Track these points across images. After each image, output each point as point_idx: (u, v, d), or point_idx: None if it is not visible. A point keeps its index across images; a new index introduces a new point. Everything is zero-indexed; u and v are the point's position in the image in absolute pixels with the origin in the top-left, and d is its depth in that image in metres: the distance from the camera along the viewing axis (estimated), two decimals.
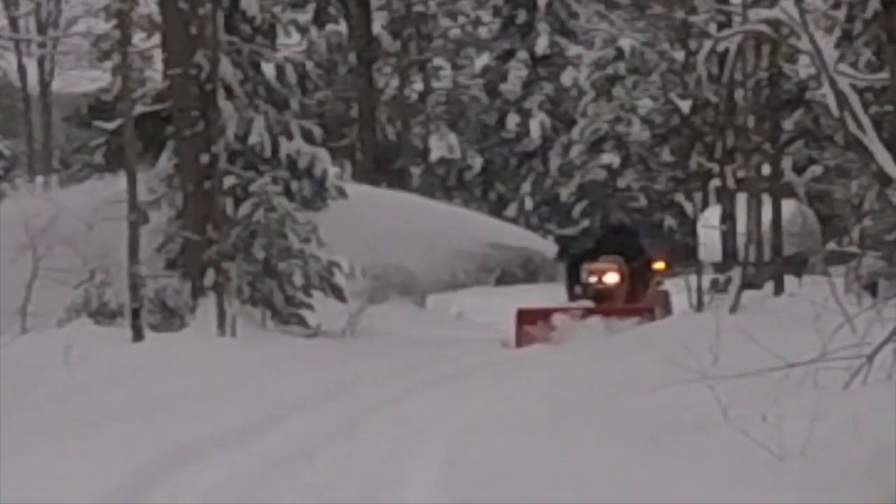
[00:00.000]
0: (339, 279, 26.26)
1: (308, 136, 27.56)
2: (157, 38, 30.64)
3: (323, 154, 27.11)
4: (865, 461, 8.00)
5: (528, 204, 44.60)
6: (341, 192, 26.74)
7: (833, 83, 11.50)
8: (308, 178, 26.38)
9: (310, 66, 32.04)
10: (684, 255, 34.29)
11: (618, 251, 25.64)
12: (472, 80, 48.01)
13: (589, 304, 24.52)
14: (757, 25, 16.69)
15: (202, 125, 24.70)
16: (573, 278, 26.10)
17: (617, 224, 28.89)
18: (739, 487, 8.29)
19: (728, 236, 32.34)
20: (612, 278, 24.98)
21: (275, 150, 26.27)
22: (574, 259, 26.86)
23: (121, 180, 23.33)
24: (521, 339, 24.03)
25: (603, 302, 24.51)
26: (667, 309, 25.88)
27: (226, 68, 25.84)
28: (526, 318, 24.38)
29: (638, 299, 25.07)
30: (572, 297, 25.74)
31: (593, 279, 25.04)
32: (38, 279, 23.78)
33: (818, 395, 9.17)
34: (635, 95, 42.34)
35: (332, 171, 27.25)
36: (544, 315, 24.31)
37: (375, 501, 10.10)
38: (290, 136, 27.13)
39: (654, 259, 26.63)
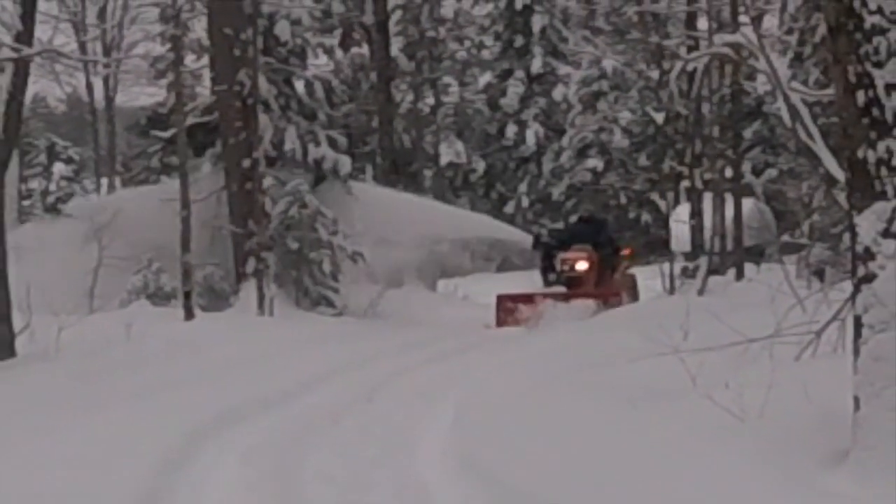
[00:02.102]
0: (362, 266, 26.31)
1: (333, 144, 27.61)
2: (205, 60, 30.64)
3: (345, 159, 27.19)
4: (814, 422, 7.99)
5: (525, 202, 44.53)
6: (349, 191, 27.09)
7: (786, 98, 11.45)
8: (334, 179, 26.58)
9: (336, 83, 31.91)
10: (659, 246, 34.28)
11: (588, 240, 25.14)
12: (476, 95, 47.91)
13: (561, 289, 24.12)
14: (721, 48, 16.63)
15: (244, 134, 24.70)
16: (547, 266, 25.70)
17: (587, 216, 28.54)
18: (706, 444, 8.28)
19: (696, 230, 32.23)
20: (582, 266, 24.51)
21: (304, 155, 26.34)
22: (547, 249, 26.29)
23: (174, 182, 23.34)
24: (500, 321, 23.60)
25: (574, 287, 24.07)
26: (634, 292, 25.43)
27: (263, 85, 25.86)
28: (504, 302, 24.00)
29: (606, 284, 24.58)
30: (546, 283, 25.33)
31: (565, 267, 24.57)
32: (104, 267, 23.84)
33: (773, 366, 9.15)
34: (616, 108, 42.20)
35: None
36: (520, 300, 23.95)
37: (393, 458, 10.07)
38: (317, 144, 27.16)
39: (621, 247, 26.39)
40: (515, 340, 20.10)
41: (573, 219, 30.94)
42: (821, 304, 10.30)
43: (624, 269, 25.80)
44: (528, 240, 29.03)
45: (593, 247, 24.88)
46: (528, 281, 26.48)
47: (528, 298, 23.95)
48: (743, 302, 15.72)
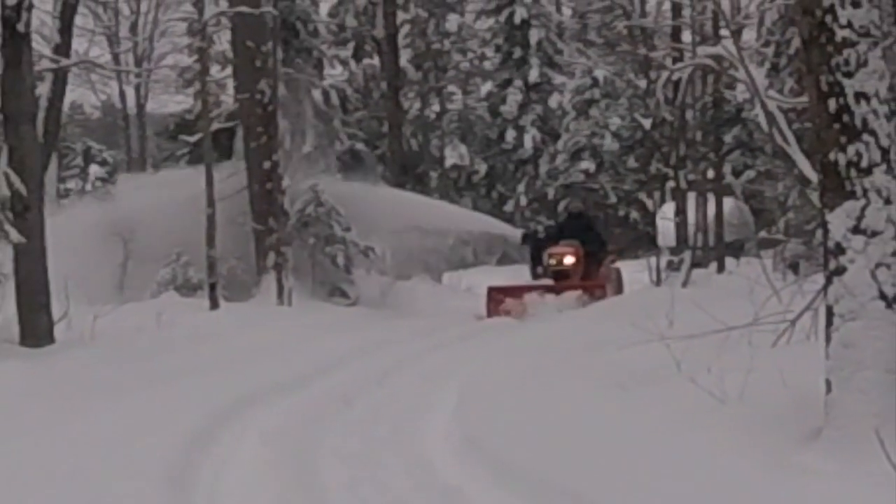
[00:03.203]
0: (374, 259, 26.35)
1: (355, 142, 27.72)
2: (229, 70, 30.68)
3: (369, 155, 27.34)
4: (789, 404, 7.98)
5: (523, 201, 44.54)
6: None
7: (764, 105, 11.44)
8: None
9: (349, 91, 31.98)
10: (646, 242, 34.25)
11: (575, 236, 24.81)
12: (478, 102, 47.93)
13: (549, 282, 23.80)
14: (703, 59, 16.61)
15: (265, 138, 24.69)
16: (535, 260, 25.39)
17: (575, 212, 28.37)
18: (690, 424, 8.27)
19: (680, 226, 32.23)
20: (569, 260, 24.18)
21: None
22: (536, 243, 26.05)
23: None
24: (491, 312, 23.23)
25: (561, 280, 23.72)
26: (618, 284, 25.09)
27: (283, 93, 25.85)
28: (494, 294, 23.68)
29: (592, 278, 24.11)
30: (535, 276, 25.03)
31: (553, 261, 24.27)
32: (136, 260, 23.82)
33: (752, 352, 9.15)
34: (607, 115, 42.23)
35: None
36: (510, 292, 23.67)
37: (401, 437, 10.07)
38: (342, 143, 27.26)
39: (607, 242, 26.18)
40: (513, 329, 20.09)
41: (563, 215, 30.86)
42: (795, 295, 10.31)
43: (609, 263, 25.41)
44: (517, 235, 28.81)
45: (581, 242, 24.56)
46: (525, 273, 26.39)
47: (517, 290, 23.65)
48: (724, 293, 15.70)
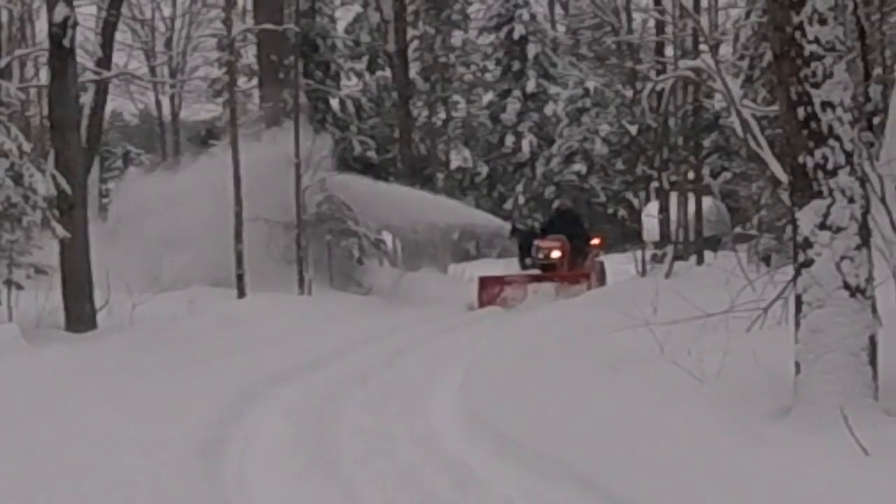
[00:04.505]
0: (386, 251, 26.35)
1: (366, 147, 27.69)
2: (254, 81, 30.68)
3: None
4: (762, 383, 7.99)
5: (521, 200, 44.41)
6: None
7: (739, 113, 11.46)
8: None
9: (364, 100, 31.95)
10: (633, 237, 34.16)
11: (562, 231, 24.49)
12: (481, 111, 47.83)
13: (536, 272, 23.45)
14: (684, 72, 16.64)
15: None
16: (524, 252, 25.05)
17: (563, 209, 28.18)
18: (672, 401, 8.28)
19: (663, 223, 32.20)
20: (556, 253, 23.81)
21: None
22: (524, 237, 25.76)
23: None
24: (482, 302, 22.85)
25: (548, 272, 23.39)
26: (602, 276, 24.74)
27: (303, 102, 25.84)
28: (485, 283, 23.31)
29: (577, 269, 23.80)
30: (523, 267, 24.66)
31: (541, 254, 23.89)
32: (171, 255, 23.70)
33: (728, 337, 9.16)
34: (597, 122, 42.13)
35: None
36: (500, 282, 23.31)
37: (411, 412, 10.09)
38: (353, 149, 27.24)
39: (592, 237, 25.96)
40: (511, 316, 20.11)
41: (551, 212, 30.66)
42: (767, 285, 10.32)
43: (593, 257, 25.16)
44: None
45: (567, 237, 24.24)
46: (515, 266, 26.26)
47: (507, 281, 23.30)
48: (703, 283, 15.70)
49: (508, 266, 28.69)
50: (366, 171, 28.48)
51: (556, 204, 38.47)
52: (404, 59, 33.71)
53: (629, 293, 15.54)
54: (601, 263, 25.42)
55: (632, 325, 10.19)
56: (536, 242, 24.37)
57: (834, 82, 7.16)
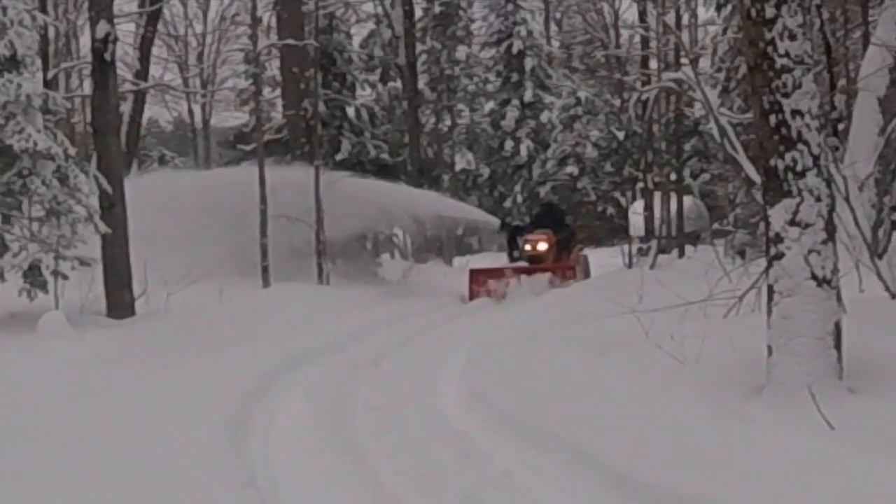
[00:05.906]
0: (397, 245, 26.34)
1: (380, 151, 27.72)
2: (278, 91, 30.68)
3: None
4: (738, 365, 7.99)
5: (519, 199, 44.47)
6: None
7: (716, 120, 11.45)
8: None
9: (377, 109, 31.90)
10: (620, 232, 34.19)
11: (548, 225, 24.02)
12: (483, 118, 47.82)
13: (524, 265, 22.90)
14: (667, 83, 16.62)
15: (307, 147, 24.70)
16: (512, 246, 24.66)
17: (547, 203, 27.89)
18: (656, 381, 8.28)
19: (648, 219, 32.20)
20: (542, 246, 23.27)
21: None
22: (512, 231, 25.29)
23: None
24: (473, 293, 22.17)
25: (535, 264, 22.83)
26: (585, 269, 24.13)
27: (322, 110, 25.85)
28: (476, 276, 22.66)
29: (562, 262, 23.24)
30: (511, 260, 24.26)
31: (528, 247, 23.38)
32: (200, 248, 23.68)
33: (707, 323, 9.17)
34: (588, 128, 42.16)
35: None
36: (490, 273, 22.73)
37: (420, 392, 10.09)
38: (368, 152, 27.24)
39: (577, 231, 25.65)
40: (508, 305, 20.06)
41: (536, 207, 30.49)
42: (742, 276, 10.33)
43: (578, 250, 24.78)
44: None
45: (553, 230, 23.82)
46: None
47: (496, 272, 22.72)
48: (684, 274, 15.71)
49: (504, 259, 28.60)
50: (380, 172, 28.39)
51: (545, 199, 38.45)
52: (413, 72, 33.67)
53: (616, 283, 15.53)
54: (585, 257, 25.04)
55: (619, 313, 10.19)
56: (524, 236, 23.96)
57: (802, 92, 7.16)
